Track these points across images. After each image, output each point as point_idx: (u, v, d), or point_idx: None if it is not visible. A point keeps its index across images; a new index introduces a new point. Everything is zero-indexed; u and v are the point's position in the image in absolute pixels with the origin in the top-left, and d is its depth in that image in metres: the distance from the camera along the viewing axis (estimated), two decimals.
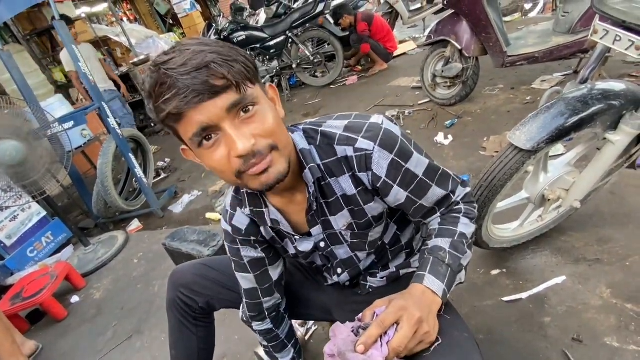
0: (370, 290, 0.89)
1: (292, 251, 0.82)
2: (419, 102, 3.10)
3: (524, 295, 1.29)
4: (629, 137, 1.03)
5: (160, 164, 3.76)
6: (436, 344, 0.63)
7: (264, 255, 0.82)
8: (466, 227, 0.74)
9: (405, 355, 0.61)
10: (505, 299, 1.30)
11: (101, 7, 7.09)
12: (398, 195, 0.69)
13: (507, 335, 1.19)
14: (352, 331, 0.63)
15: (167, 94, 0.50)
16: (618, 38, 0.91)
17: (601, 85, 1.03)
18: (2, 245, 2.38)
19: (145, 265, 2.23)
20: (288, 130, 0.68)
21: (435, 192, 0.72)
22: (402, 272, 0.88)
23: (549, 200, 1.21)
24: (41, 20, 5.05)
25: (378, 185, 0.68)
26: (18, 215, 2.50)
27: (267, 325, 0.94)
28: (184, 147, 0.61)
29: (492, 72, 3.08)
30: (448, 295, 0.68)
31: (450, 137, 2.41)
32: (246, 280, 0.86)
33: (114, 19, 6.56)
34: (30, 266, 2.40)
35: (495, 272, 1.41)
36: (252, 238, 0.80)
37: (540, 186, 1.20)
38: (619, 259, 1.30)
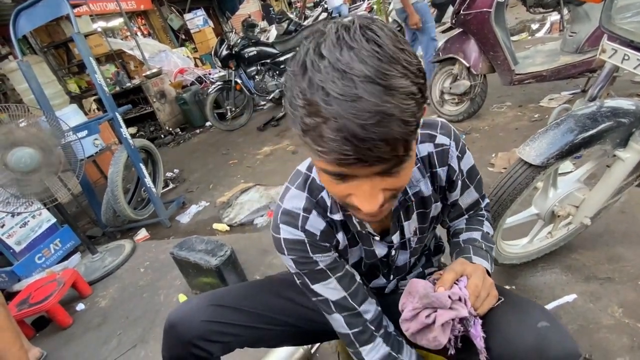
0: (400, 290, 0.88)
1: (355, 260, 0.76)
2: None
3: None
4: (639, 155, 1.04)
5: (169, 174, 3.80)
6: (500, 301, 0.65)
7: (337, 255, 0.72)
8: (489, 228, 0.81)
9: (479, 311, 0.63)
10: None
11: (117, 22, 7.33)
12: (457, 190, 0.74)
13: None
14: (429, 281, 0.67)
15: (325, 141, 0.41)
16: (626, 57, 0.93)
17: (610, 102, 1.04)
18: (12, 251, 2.41)
19: (152, 274, 2.24)
20: None
21: (471, 194, 0.77)
22: (426, 271, 0.90)
23: (558, 216, 1.21)
24: (59, 33, 5.22)
25: (453, 178, 0.72)
26: (28, 221, 2.53)
27: (381, 348, 0.72)
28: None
29: (500, 89, 3.11)
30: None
31: None
32: (330, 290, 0.70)
33: (128, 34, 6.77)
34: (38, 272, 2.42)
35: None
36: (327, 244, 0.69)
37: (550, 202, 1.21)
38: (630, 278, 1.28)
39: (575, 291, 1.30)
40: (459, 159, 0.71)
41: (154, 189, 2.75)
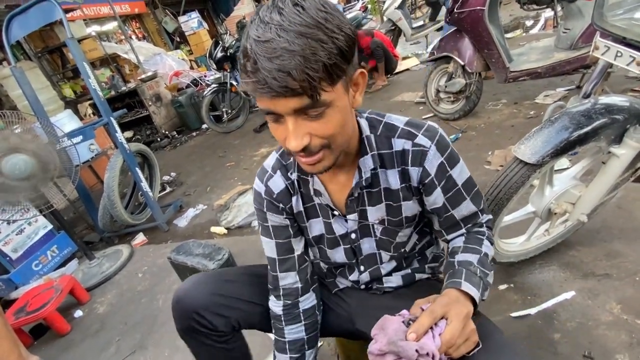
0: (389, 290, 0.88)
1: (316, 232, 0.81)
2: (423, 117, 3.12)
3: (532, 310, 1.27)
4: (634, 151, 1.04)
5: (165, 177, 3.79)
6: (478, 348, 0.62)
7: (288, 223, 0.82)
8: (488, 249, 0.76)
9: (452, 355, 0.60)
10: (514, 314, 1.28)
11: (111, 26, 7.30)
12: (437, 198, 0.72)
13: None
14: (403, 322, 0.62)
15: (250, 75, 0.53)
16: (619, 54, 0.93)
17: (605, 99, 1.04)
18: (8, 258, 2.39)
19: (150, 279, 2.23)
20: (357, 115, 0.71)
21: (468, 207, 0.75)
22: (417, 275, 0.89)
23: (555, 214, 1.21)
24: (52, 38, 5.20)
25: (425, 182, 0.71)
26: (25, 228, 2.52)
27: (276, 307, 0.85)
28: None
29: (495, 87, 3.12)
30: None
31: None
32: (269, 247, 0.84)
33: (122, 37, 6.74)
34: (35, 280, 2.40)
35: (502, 287, 1.40)
36: (281, 205, 0.79)
37: (547, 200, 1.21)
38: (628, 274, 1.29)
39: (574, 288, 1.30)
40: (443, 166, 0.70)
41: (150, 193, 2.74)
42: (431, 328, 0.59)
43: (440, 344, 0.58)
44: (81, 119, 4.73)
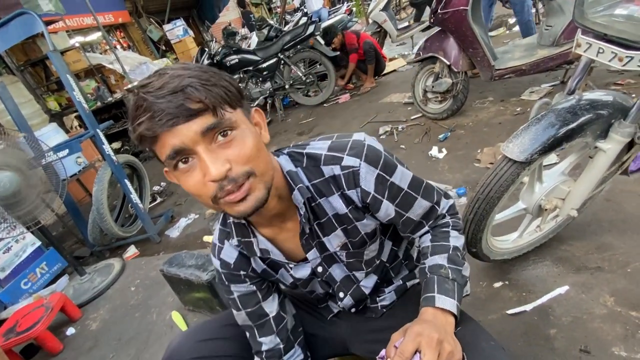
0: (384, 310, 0.87)
1: (289, 281, 0.79)
2: (412, 117, 3.14)
3: (528, 307, 1.28)
4: (619, 145, 1.05)
5: (156, 188, 3.74)
6: None
7: (255, 289, 0.78)
8: (457, 239, 0.75)
9: None
10: (510, 311, 1.29)
11: (95, 36, 7.21)
12: (388, 210, 0.70)
13: (515, 350, 1.17)
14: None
15: (142, 117, 0.50)
16: (601, 50, 0.94)
17: (589, 95, 1.06)
18: None
19: (143, 292, 2.19)
20: (273, 155, 0.68)
21: (422, 204, 0.73)
22: (408, 283, 0.88)
23: (546, 210, 1.22)
24: (35, 50, 5.11)
25: (368, 201, 0.68)
26: (11, 246, 2.46)
27: None
28: (166, 168, 0.59)
29: (482, 85, 3.15)
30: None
31: (444, 151, 2.44)
32: (241, 318, 0.80)
33: (107, 47, 6.67)
34: (25, 298, 2.35)
35: (497, 284, 1.40)
36: (242, 272, 0.77)
37: (537, 196, 1.21)
38: (620, 266, 1.30)
39: (567, 282, 1.31)
40: (381, 177, 0.66)
41: (140, 205, 2.70)
42: None
43: None
44: (67, 131, 4.66)
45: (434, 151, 2.45)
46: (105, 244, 2.84)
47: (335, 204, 0.69)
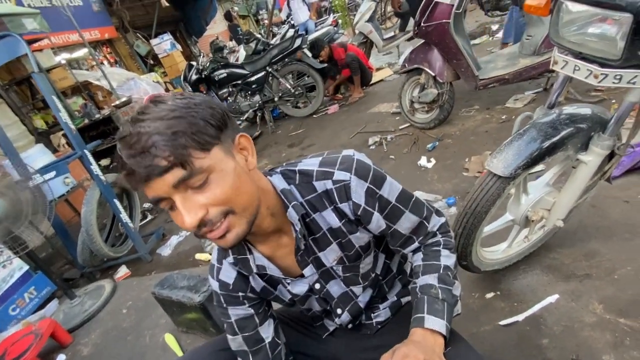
0: (379, 327, 0.88)
1: (287, 297, 0.80)
2: (400, 127, 3.18)
3: (520, 317, 1.29)
4: (600, 157, 1.08)
5: (146, 205, 3.70)
6: None
7: (253, 312, 0.79)
8: (448, 259, 0.76)
9: None
10: (502, 322, 1.30)
11: (81, 52, 7.18)
12: (379, 222, 0.71)
13: None
14: None
15: (122, 171, 0.54)
16: (577, 67, 0.97)
17: (568, 109, 1.09)
18: None
19: (135, 314, 2.15)
20: (266, 175, 0.70)
21: (410, 218, 0.74)
22: (403, 300, 0.89)
23: (532, 221, 1.24)
24: (20, 69, 5.06)
25: (359, 214, 0.69)
26: None
27: None
28: None
29: (467, 94, 3.20)
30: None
31: (433, 160, 2.47)
32: (236, 343, 0.80)
33: (94, 63, 6.63)
34: (13, 325, 2.29)
35: (489, 295, 1.42)
36: (241, 294, 0.77)
37: (523, 208, 1.24)
38: (607, 273, 1.32)
39: (557, 291, 1.33)
40: (370, 190, 0.68)
41: (131, 224, 2.67)
42: None
43: None
44: (55, 150, 4.60)
45: (423, 161, 2.48)
46: (95, 265, 2.79)
47: (329, 218, 0.71)
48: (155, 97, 0.57)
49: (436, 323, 0.66)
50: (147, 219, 3.50)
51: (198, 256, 2.45)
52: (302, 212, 0.69)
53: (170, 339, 1.79)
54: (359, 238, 0.74)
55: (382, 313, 0.87)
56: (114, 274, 2.70)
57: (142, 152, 0.51)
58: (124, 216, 2.61)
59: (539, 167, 1.83)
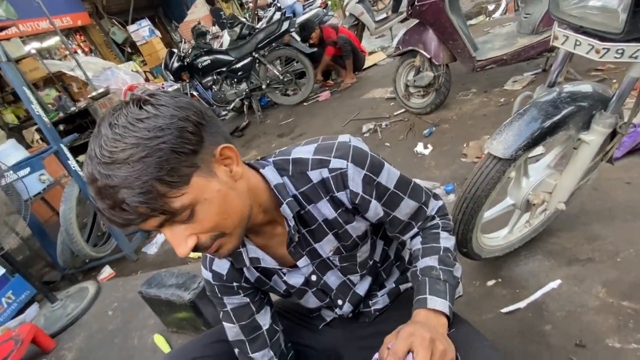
0: (377, 314, 0.89)
1: (282, 288, 0.81)
2: (395, 113, 3.18)
3: (522, 304, 1.32)
4: (602, 136, 1.09)
5: None
6: None
7: (248, 300, 0.80)
8: (447, 240, 0.78)
9: None
10: (504, 310, 1.32)
11: (52, 41, 7.00)
12: (377, 209, 0.72)
13: (511, 349, 1.20)
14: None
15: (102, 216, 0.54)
16: (578, 43, 0.98)
17: (569, 88, 1.10)
18: None
19: (121, 316, 2.14)
20: (258, 166, 0.69)
21: (409, 204, 0.75)
22: (402, 287, 0.90)
23: (534, 204, 1.26)
24: None
25: (357, 202, 0.70)
26: None
27: None
28: None
29: (464, 76, 3.21)
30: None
31: (430, 147, 2.48)
32: (233, 332, 0.81)
33: (67, 53, 6.49)
34: None
35: (490, 282, 1.44)
36: (235, 284, 0.78)
37: (524, 192, 1.25)
38: (609, 256, 1.35)
39: (559, 276, 1.36)
40: (368, 177, 0.68)
41: None
42: None
43: None
44: (28, 146, 4.51)
45: (420, 148, 2.49)
46: (77, 266, 2.77)
47: (324, 210, 0.71)
48: (110, 121, 0.51)
49: (439, 303, 0.67)
50: None
51: None
52: (297, 209, 0.69)
53: (159, 340, 1.79)
54: (356, 228, 0.75)
55: (380, 300, 0.88)
56: (98, 275, 2.68)
57: (114, 208, 0.50)
58: None
59: (540, 149, 1.86)
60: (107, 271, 2.66)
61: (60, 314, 2.32)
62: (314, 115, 4.07)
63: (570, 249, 1.44)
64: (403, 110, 3.12)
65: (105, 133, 0.50)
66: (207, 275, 0.79)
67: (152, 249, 2.74)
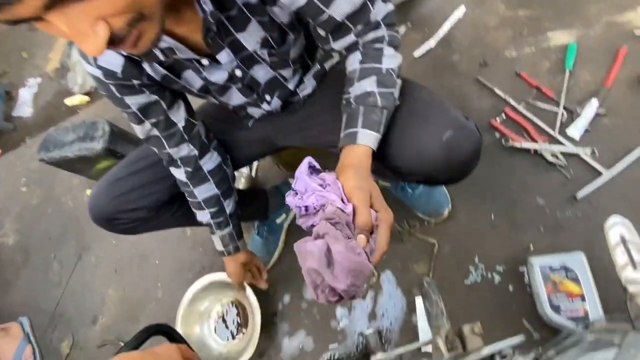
0: (306, 98, 0.83)
1: (197, 84, 0.70)
2: None
3: (432, 43, 1.35)
4: None
5: None
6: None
7: (157, 97, 0.71)
8: (392, 59, 0.64)
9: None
10: (417, 54, 1.36)
11: None
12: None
13: (428, 85, 1.31)
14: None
15: None
16: None
17: None
18: None
19: (39, 188, 1.96)
20: None
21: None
22: (326, 65, 0.82)
23: None
24: None
25: None
26: None
27: (180, 175, 0.83)
28: None
29: None
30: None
31: None
32: (145, 130, 0.75)
33: None
34: None
35: (401, 29, 1.42)
36: (135, 81, 0.67)
37: None
38: None
39: (462, 2, 1.36)
40: None
41: None
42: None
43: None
44: None
45: None
46: None
47: None
48: None
49: (370, 138, 0.59)
50: None
51: (69, 101, 2.07)
52: None
53: None
54: (280, 14, 0.61)
55: (308, 84, 0.82)
56: None
57: None
58: None
59: None
60: None
61: None
62: None
63: None
64: None
65: None
66: (96, 72, 0.65)
67: (25, 110, 2.28)
